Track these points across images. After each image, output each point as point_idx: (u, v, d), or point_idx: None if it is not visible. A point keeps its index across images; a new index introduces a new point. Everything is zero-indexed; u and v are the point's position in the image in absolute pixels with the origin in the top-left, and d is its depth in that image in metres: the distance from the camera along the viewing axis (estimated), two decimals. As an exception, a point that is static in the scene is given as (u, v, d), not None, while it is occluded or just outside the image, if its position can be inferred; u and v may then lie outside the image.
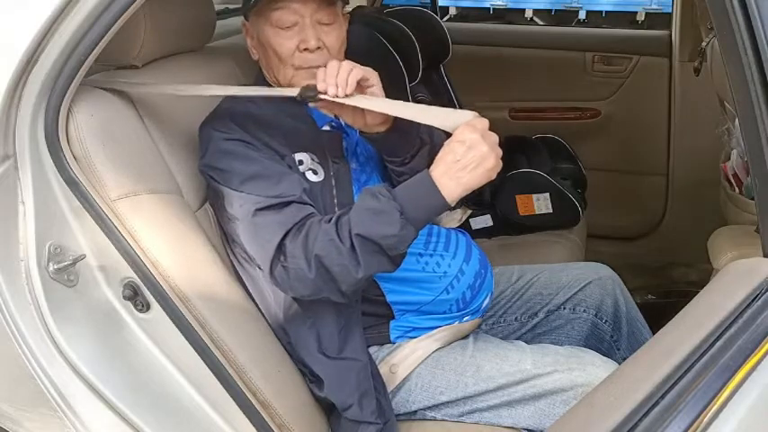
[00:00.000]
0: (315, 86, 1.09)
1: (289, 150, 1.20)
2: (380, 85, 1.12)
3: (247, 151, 1.16)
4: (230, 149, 1.16)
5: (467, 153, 1.02)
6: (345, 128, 1.28)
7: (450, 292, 1.26)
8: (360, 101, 1.10)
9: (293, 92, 1.12)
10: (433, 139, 1.22)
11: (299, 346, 1.23)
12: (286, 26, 1.19)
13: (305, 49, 1.19)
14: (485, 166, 1.02)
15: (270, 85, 1.28)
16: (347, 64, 1.09)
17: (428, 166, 1.07)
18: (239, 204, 1.14)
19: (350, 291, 1.11)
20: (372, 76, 1.11)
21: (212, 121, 1.21)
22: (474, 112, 1.06)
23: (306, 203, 1.14)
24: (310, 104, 1.13)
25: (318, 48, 1.20)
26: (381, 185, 1.09)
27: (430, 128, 1.21)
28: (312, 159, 1.22)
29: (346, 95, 1.08)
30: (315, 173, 1.21)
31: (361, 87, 1.10)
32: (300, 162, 1.21)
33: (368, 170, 1.30)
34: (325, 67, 1.10)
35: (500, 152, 1.04)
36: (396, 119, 1.15)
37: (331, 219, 1.09)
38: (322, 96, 1.09)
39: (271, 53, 1.22)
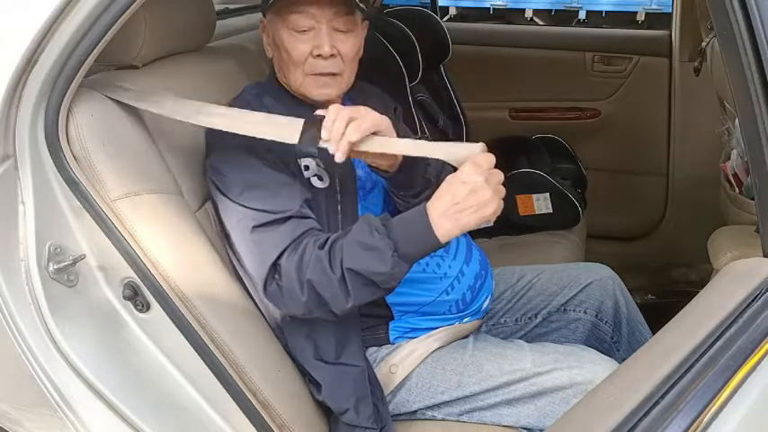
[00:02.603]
0: (318, 124, 1.05)
1: (294, 156, 1.19)
2: (392, 128, 1.08)
3: (251, 158, 1.15)
4: (234, 154, 1.15)
5: (468, 197, 0.99)
6: None
7: (450, 293, 1.26)
8: (360, 145, 1.05)
9: (294, 138, 1.07)
10: (440, 180, 1.17)
11: (296, 351, 1.23)
12: (301, 30, 1.18)
13: (318, 55, 1.18)
14: (485, 210, 1.00)
15: (281, 86, 1.27)
16: (361, 119, 1.03)
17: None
18: (237, 219, 1.13)
19: (343, 313, 1.10)
20: (384, 123, 1.07)
21: None
22: (481, 145, 1.03)
23: (305, 217, 1.13)
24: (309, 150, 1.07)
25: (332, 55, 1.19)
26: (380, 216, 1.07)
27: (438, 168, 1.21)
28: (318, 165, 1.21)
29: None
30: (320, 179, 1.21)
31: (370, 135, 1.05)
32: (306, 168, 1.20)
33: (373, 177, 1.29)
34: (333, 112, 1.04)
35: (503, 192, 1.02)
36: (402, 161, 1.15)
37: (326, 242, 1.08)
38: (322, 144, 1.05)
39: (284, 54, 1.21)
